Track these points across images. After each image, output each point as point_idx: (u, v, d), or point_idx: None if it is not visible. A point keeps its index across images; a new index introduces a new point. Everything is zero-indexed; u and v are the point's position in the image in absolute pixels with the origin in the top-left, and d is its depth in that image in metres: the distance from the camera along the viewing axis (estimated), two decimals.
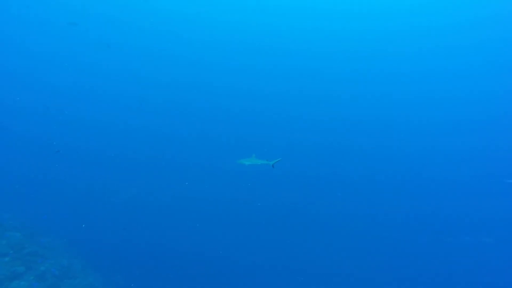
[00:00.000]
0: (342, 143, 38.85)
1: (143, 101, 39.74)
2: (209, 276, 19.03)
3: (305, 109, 42.91)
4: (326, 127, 41.18)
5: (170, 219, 22.71)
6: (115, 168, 27.51)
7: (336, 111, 43.51)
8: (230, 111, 41.39)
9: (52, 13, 46.71)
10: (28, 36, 44.90)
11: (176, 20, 51.57)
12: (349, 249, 23.61)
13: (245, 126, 38.90)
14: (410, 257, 24.29)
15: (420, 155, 39.37)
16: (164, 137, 34.83)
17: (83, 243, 17.41)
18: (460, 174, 35.44)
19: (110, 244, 18.14)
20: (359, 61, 49.24)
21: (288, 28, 51.26)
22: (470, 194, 33.01)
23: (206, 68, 47.76)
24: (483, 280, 22.74)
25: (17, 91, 35.48)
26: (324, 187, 31.32)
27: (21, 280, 11.75)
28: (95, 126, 33.83)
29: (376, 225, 27.40)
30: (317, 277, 20.99)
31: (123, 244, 18.47)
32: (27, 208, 18.19)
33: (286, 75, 47.76)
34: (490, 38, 48.09)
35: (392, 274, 22.16)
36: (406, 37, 50.11)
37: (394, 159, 38.65)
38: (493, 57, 47.65)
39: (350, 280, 21.14)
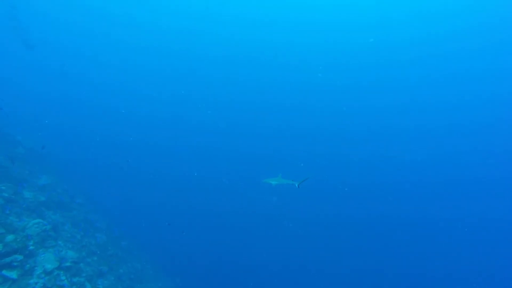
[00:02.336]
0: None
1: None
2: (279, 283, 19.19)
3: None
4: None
5: (242, 229, 23.63)
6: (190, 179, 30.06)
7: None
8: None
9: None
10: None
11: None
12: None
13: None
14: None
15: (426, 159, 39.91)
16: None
17: (155, 250, 18.82)
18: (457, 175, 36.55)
19: (181, 251, 19.30)
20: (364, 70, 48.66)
21: (304, 39, 50.74)
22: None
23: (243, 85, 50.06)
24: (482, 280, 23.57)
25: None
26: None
27: (105, 279, 13.09)
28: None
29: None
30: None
31: (193, 251, 19.52)
32: (112, 211, 20.48)
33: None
34: (487, 43, 44.69)
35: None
36: (406, 42, 47.82)
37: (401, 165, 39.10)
38: (491, 62, 45.00)
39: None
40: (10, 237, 9.44)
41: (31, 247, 9.96)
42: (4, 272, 8.46)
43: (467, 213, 32.56)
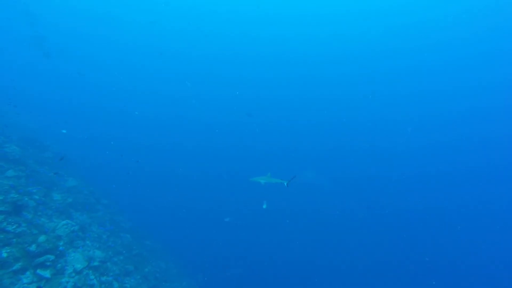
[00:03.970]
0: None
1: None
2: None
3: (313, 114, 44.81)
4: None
5: (262, 231, 23.76)
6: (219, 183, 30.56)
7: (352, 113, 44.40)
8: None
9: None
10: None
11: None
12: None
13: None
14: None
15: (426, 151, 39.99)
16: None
17: (179, 249, 19.08)
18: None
19: (202, 252, 19.51)
20: (357, 63, 48.60)
21: (294, 35, 50.63)
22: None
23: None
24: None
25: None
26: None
27: (132, 278, 13.38)
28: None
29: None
30: None
31: (215, 253, 19.71)
32: (137, 213, 20.95)
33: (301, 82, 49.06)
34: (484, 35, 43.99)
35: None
36: (402, 35, 47.53)
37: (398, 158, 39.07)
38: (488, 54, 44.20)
39: None
40: (42, 238, 9.80)
41: (61, 247, 10.30)
42: (39, 271, 8.78)
43: (462, 206, 32.28)
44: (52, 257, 9.46)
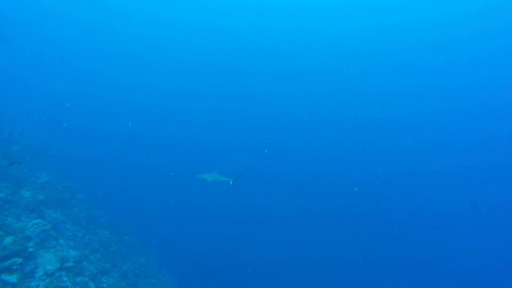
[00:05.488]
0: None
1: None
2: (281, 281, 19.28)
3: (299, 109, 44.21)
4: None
5: (243, 224, 23.65)
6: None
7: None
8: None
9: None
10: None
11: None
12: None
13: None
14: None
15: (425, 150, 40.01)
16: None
17: (160, 243, 18.73)
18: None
19: (184, 246, 19.24)
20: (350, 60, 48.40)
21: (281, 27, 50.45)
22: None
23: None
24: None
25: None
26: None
27: (109, 276, 12.98)
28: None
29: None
30: None
31: (196, 246, 19.49)
32: (115, 207, 20.28)
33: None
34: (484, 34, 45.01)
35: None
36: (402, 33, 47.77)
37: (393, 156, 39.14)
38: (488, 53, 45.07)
39: None
40: (8, 240, 9.19)
41: (31, 249, 9.72)
42: (3, 276, 8.25)
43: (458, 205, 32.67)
44: (19, 260, 8.90)
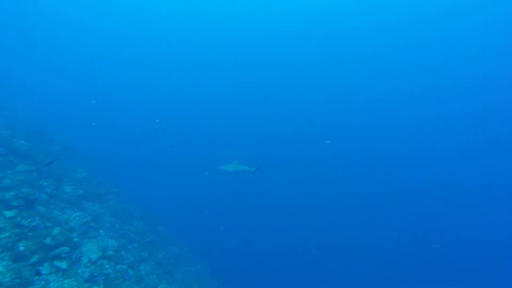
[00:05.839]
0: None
1: None
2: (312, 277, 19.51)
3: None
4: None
5: (277, 218, 24.09)
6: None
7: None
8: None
9: None
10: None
11: None
12: None
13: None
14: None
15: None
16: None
17: (191, 234, 19.45)
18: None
19: (214, 237, 19.88)
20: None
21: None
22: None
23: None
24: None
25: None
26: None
27: (146, 264, 13.72)
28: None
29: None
30: None
31: (228, 236, 20.09)
32: (145, 201, 21.24)
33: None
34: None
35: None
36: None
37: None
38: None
39: None
40: (56, 230, 9.99)
41: (75, 239, 10.50)
42: (56, 262, 9.00)
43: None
44: (67, 248, 9.67)
